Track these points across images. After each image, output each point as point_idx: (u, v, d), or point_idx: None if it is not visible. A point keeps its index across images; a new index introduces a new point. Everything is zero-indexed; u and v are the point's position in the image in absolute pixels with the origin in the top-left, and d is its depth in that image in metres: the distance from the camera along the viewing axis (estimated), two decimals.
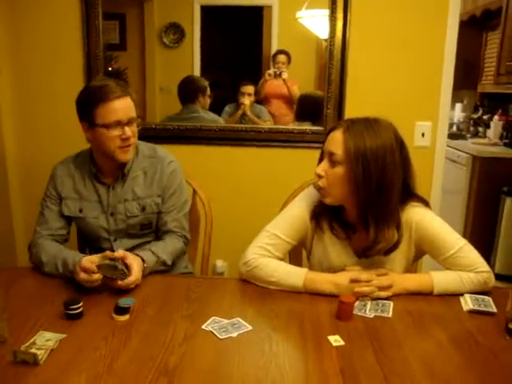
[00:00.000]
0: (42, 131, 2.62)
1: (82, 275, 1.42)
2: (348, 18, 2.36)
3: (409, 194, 1.50)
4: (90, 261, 1.43)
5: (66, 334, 1.21)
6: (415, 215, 1.49)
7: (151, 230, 1.80)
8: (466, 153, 3.87)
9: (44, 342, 1.16)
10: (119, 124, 1.59)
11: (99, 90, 1.59)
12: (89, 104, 1.60)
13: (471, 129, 4.81)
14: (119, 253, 1.48)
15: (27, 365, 1.08)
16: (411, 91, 2.43)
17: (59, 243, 1.70)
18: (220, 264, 2.72)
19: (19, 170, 2.66)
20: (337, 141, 1.41)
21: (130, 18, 2.66)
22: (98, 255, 1.47)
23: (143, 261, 1.56)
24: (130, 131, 1.61)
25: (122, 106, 1.59)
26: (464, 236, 1.51)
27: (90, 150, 1.74)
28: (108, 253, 1.47)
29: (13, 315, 1.24)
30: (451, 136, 3.99)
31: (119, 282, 1.44)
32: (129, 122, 1.61)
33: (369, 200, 1.40)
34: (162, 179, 1.75)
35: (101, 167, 1.72)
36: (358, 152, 1.37)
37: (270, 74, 2.65)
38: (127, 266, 1.46)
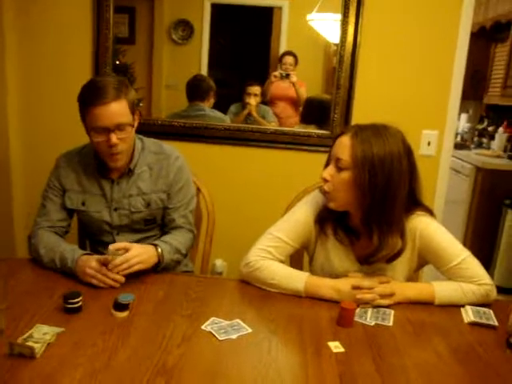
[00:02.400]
0: (47, 122, 2.61)
1: (90, 276, 1.45)
2: (360, 23, 2.35)
3: (414, 203, 1.49)
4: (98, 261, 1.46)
5: (63, 328, 1.20)
6: (420, 224, 1.48)
7: (155, 225, 1.80)
8: (470, 163, 3.86)
9: (41, 335, 1.15)
10: (106, 130, 1.55)
11: (90, 93, 1.55)
12: (81, 105, 1.58)
13: (475, 139, 4.80)
14: (120, 244, 1.50)
15: (24, 358, 1.07)
16: (419, 99, 2.42)
17: (59, 235, 1.69)
18: (219, 263, 2.71)
19: (22, 160, 2.66)
20: (344, 146, 1.40)
21: (139, 13, 2.65)
22: (101, 257, 1.48)
23: (156, 248, 1.57)
24: (116, 138, 1.56)
25: (109, 113, 1.52)
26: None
27: None
28: (111, 247, 1.47)
29: (10, 307, 1.23)
30: (455, 146, 3.97)
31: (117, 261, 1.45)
32: (116, 128, 1.56)
33: (373, 207, 1.39)
34: (169, 175, 1.73)
35: (104, 163, 1.71)
36: (365, 158, 1.36)
37: (275, 76, 2.64)
38: None
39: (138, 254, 1.49)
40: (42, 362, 1.07)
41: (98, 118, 1.53)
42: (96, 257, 1.49)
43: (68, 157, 1.74)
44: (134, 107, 1.61)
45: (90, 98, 1.53)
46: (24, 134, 2.63)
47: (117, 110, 1.54)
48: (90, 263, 1.46)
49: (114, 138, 1.55)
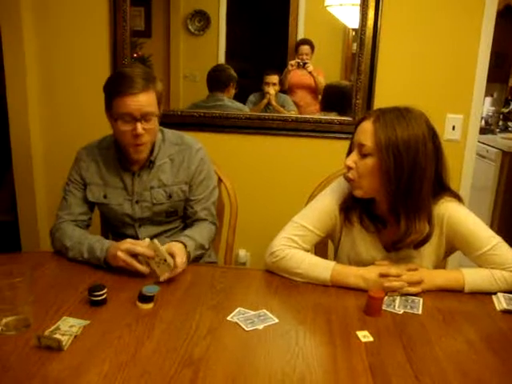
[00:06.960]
0: (67, 116, 2.62)
1: (124, 260, 1.42)
2: (380, 6, 2.30)
3: (441, 187, 1.45)
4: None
5: (89, 321, 1.20)
6: (448, 209, 1.44)
7: (177, 217, 1.79)
8: (496, 148, 3.78)
9: (68, 327, 1.15)
10: (132, 119, 1.54)
11: (119, 82, 1.54)
12: (108, 93, 1.58)
13: (500, 123, 4.70)
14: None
15: (51, 350, 1.07)
16: (443, 83, 2.36)
17: (81, 229, 1.68)
18: (243, 254, 2.71)
19: (43, 154, 2.67)
20: (367, 131, 1.37)
21: (155, 5, 2.64)
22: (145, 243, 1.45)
23: (185, 246, 1.55)
24: (142, 128, 1.55)
25: (137, 102, 1.52)
26: None
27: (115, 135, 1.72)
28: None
29: (37, 299, 1.23)
30: (479, 130, 3.90)
31: (167, 275, 1.42)
32: (142, 118, 1.54)
33: (400, 192, 1.35)
34: (190, 167, 1.72)
35: (126, 155, 1.70)
36: (389, 143, 1.33)
37: (292, 65, 2.61)
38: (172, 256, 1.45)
39: (184, 260, 1.49)
40: (70, 355, 1.06)
41: (126, 105, 1.52)
42: (128, 240, 1.47)
43: (88, 150, 1.74)
44: (161, 99, 1.61)
45: (119, 87, 1.52)
46: (44, 128, 2.64)
47: (145, 100, 1.54)
48: (120, 246, 1.44)
49: (139, 127, 1.54)
